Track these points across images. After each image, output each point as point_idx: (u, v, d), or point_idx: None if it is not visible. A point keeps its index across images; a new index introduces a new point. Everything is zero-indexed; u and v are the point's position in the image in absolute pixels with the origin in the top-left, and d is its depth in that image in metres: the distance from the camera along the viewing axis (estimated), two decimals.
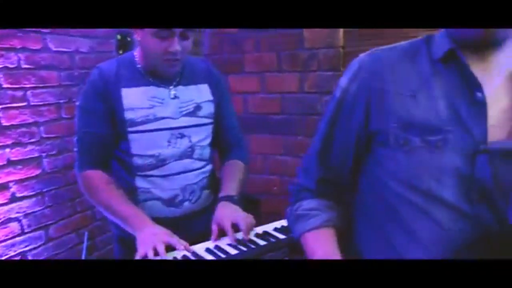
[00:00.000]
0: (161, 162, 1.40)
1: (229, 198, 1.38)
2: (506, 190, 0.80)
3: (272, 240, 1.29)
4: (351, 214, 0.97)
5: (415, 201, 0.81)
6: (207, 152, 1.52)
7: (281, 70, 2.85)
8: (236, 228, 1.29)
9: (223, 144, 1.59)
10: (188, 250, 1.22)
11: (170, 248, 1.23)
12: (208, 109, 1.49)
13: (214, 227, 1.30)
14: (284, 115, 2.88)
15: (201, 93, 1.49)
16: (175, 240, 1.23)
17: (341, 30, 2.67)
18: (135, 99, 1.37)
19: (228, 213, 1.32)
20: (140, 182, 1.41)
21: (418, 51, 0.86)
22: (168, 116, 1.40)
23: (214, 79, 1.53)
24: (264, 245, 1.26)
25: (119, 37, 2.39)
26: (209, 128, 1.51)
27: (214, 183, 1.55)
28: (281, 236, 1.31)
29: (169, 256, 1.20)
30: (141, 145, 1.38)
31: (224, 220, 1.29)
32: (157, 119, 1.38)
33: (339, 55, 2.69)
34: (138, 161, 1.40)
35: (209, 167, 1.54)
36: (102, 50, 2.35)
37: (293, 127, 2.85)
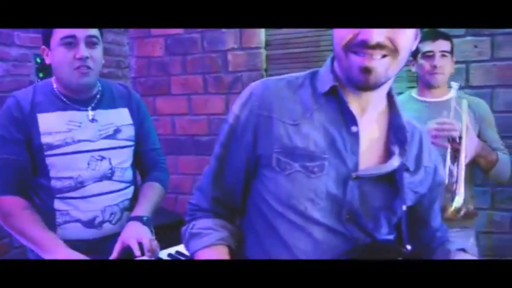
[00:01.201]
0: (80, 184, 1.41)
1: (138, 218, 1.42)
2: (373, 211, 0.92)
3: (183, 259, 1.34)
4: (242, 233, 1.02)
5: (293, 219, 0.89)
6: (128, 174, 1.54)
7: (207, 93, 2.93)
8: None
9: (143, 166, 1.63)
10: None
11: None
12: (128, 132, 1.52)
13: (118, 245, 1.33)
14: (211, 136, 2.94)
15: (121, 117, 1.52)
16: None
17: (263, 54, 2.81)
18: (51, 123, 1.39)
19: (134, 232, 1.35)
20: (58, 205, 1.41)
21: (304, 83, 0.95)
22: (87, 139, 1.42)
23: (134, 103, 1.57)
24: None
25: (38, 60, 2.34)
26: (130, 151, 1.54)
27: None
28: None
29: None
30: (59, 168, 1.39)
31: (129, 238, 1.32)
32: (75, 142, 1.40)
33: (262, 77, 2.81)
34: (56, 183, 1.40)
35: (131, 189, 1.56)
36: (18, 73, 2.28)
37: None
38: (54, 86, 1.44)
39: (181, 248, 1.41)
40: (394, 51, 0.82)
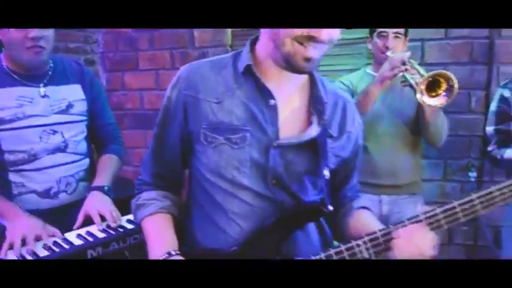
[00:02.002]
0: (33, 156, 1.48)
1: (99, 188, 1.49)
2: (297, 175, 1.02)
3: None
4: (189, 204, 1.12)
5: (224, 187, 1.00)
6: (82, 146, 1.61)
7: (174, 68, 2.97)
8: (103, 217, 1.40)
9: (99, 140, 1.70)
10: (57, 237, 1.31)
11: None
12: (81, 107, 1.58)
13: (81, 215, 1.41)
14: None
15: (74, 93, 1.57)
16: (44, 233, 1.31)
17: (229, 30, 2.85)
18: (1, 99, 1.43)
19: (96, 203, 1.43)
20: (13, 177, 1.47)
21: (226, 64, 1.03)
22: (39, 114, 1.48)
23: (87, 80, 1.62)
24: (131, 229, 1.40)
25: None
26: (82, 125, 1.60)
27: (93, 175, 1.64)
28: None
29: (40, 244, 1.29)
30: (11, 142, 1.45)
31: (91, 209, 1.40)
32: (26, 117, 1.45)
33: (227, 53, 2.85)
34: (9, 157, 1.46)
35: (86, 161, 1.63)
36: None
37: None
38: (4, 63, 1.47)
39: None
40: (329, 41, 0.91)
